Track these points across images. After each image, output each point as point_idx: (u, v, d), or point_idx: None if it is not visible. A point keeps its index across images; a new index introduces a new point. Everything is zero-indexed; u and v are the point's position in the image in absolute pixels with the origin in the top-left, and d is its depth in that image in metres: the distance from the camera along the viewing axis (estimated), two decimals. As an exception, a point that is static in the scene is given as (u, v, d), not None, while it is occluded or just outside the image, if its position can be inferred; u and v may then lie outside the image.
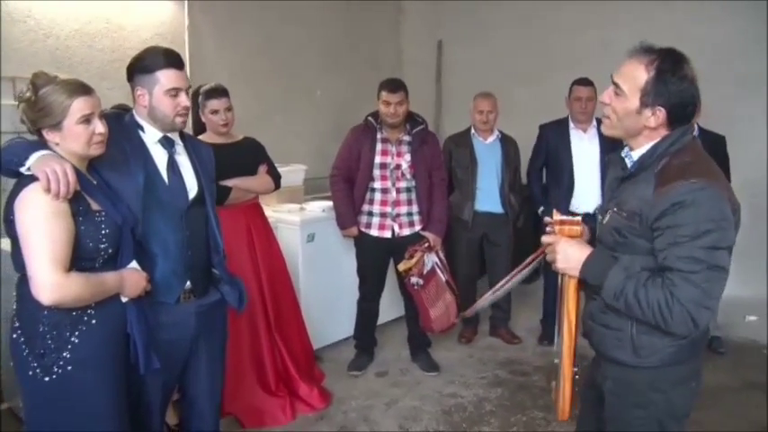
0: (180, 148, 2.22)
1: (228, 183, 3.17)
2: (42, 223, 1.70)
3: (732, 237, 1.59)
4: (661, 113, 1.65)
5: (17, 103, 1.85)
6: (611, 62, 1.83)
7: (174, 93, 2.08)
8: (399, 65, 6.00)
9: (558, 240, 1.75)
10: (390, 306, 4.19)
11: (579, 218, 1.80)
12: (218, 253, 2.27)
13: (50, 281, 1.70)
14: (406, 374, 3.84)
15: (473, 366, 3.95)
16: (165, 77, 2.07)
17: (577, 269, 1.71)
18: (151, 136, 2.13)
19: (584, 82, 3.98)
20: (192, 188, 2.19)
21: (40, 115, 1.80)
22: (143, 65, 2.09)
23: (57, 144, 1.83)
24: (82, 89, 1.84)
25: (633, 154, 1.75)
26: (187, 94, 2.13)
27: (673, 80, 1.63)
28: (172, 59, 2.10)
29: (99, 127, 1.86)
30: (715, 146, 3.61)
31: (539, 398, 3.50)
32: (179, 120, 2.12)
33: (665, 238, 1.59)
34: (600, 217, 1.83)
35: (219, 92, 3.19)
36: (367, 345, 4.01)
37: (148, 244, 2.07)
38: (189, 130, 3.30)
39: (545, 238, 1.79)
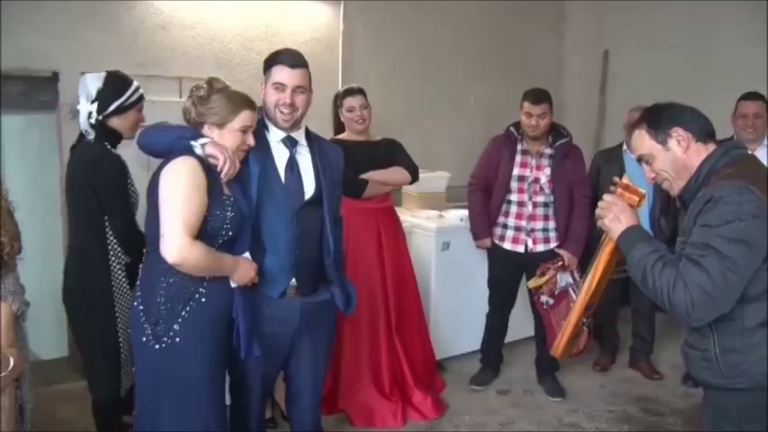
0: (303, 148, 2.29)
1: (364, 175, 3.26)
2: (184, 190, 1.89)
3: (757, 237, 1.54)
4: (677, 132, 1.72)
5: (190, 97, 2.07)
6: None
7: (279, 87, 2.17)
8: (560, 74, 5.76)
9: (616, 202, 1.80)
10: (523, 324, 4.02)
11: (644, 191, 1.85)
12: (330, 255, 2.30)
13: (178, 242, 1.86)
14: (529, 396, 3.68)
15: (603, 398, 3.69)
16: (277, 72, 2.18)
17: (618, 233, 1.75)
18: (275, 135, 2.24)
19: (752, 96, 3.60)
20: (310, 189, 2.25)
21: (210, 111, 2.02)
22: (267, 61, 2.23)
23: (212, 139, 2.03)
24: (252, 104, 2.07)
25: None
26: (294, 92, 2.18)
27: (659, 111, 1.77)
28: (287, 57, 2.20)
29: (250, 139, 2.08)
30: None
31: (668, 443, 3.19)
32: (278, 114, 2.20)
33: (694, 234, 1.60)
34: None
35: (355, 90, 3.31)
36: (492, 360, 3.90)
37: (259, 237, 2.16)
38: (329, 130, 3.45)
39: (606, 197, 1.84)
